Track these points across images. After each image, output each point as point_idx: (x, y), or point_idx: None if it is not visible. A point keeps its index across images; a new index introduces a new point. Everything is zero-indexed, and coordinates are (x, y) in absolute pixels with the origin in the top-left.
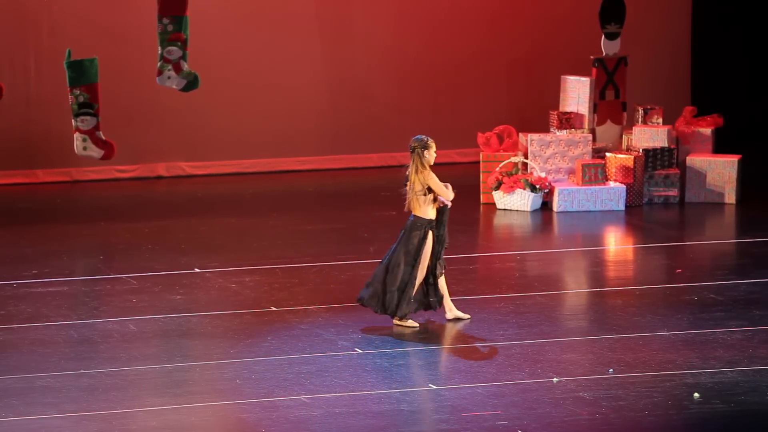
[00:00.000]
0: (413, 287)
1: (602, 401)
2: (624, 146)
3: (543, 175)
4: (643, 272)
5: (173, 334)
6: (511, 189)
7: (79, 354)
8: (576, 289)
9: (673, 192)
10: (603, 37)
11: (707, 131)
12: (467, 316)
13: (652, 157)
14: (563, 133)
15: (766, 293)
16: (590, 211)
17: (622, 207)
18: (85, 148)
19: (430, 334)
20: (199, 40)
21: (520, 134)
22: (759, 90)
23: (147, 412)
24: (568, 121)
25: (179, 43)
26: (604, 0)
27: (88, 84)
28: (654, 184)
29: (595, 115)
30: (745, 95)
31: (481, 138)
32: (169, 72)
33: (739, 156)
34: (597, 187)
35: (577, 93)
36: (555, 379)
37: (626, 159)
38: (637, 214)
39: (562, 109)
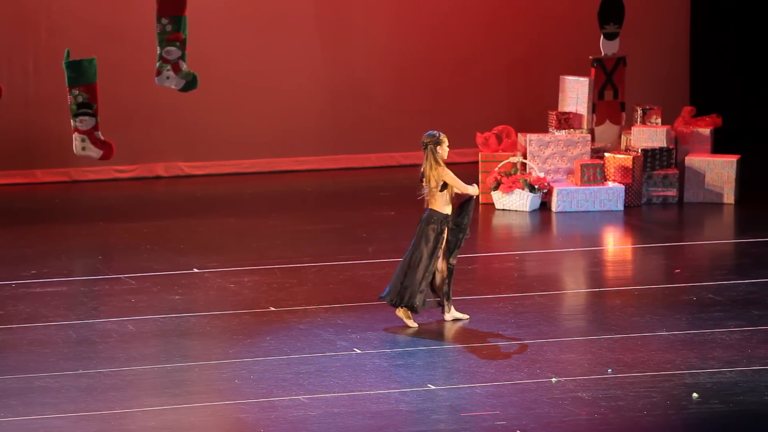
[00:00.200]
0: (427, 281)
1: (601, 401)
2: (623, 146)
3: (542, 175)
4: (642, 272)
5: (172, 335)
6: (509, 189)
7: (78, 354)
8: (575, 289)
9: (672, 192)
10: (602, 37)
11: (706, 131)
12: (466, 316)
13: (650, 158)
14: (562, 134)
15: (764, 293)
16: (589, 212)
17: (620, 207)
18: (83, 149)
19: (428, 335)
20: (198, 41)
21: (519, 134)
22: (757, 90)
23: (146, 412)
24: (567, 121)
25: (178, 44)
26: (603, 0)
27: (86, 84)
28: (653, 184)
29: (594, 115)
30: (744, 95)
31: (479, 138)
32: (168, 72)
33: (738, 156)
34: (596, 188)
35: (575, 93)
36: (554, 379)
37: (625, 159)
38: (635, 215)
39: (560, 109)
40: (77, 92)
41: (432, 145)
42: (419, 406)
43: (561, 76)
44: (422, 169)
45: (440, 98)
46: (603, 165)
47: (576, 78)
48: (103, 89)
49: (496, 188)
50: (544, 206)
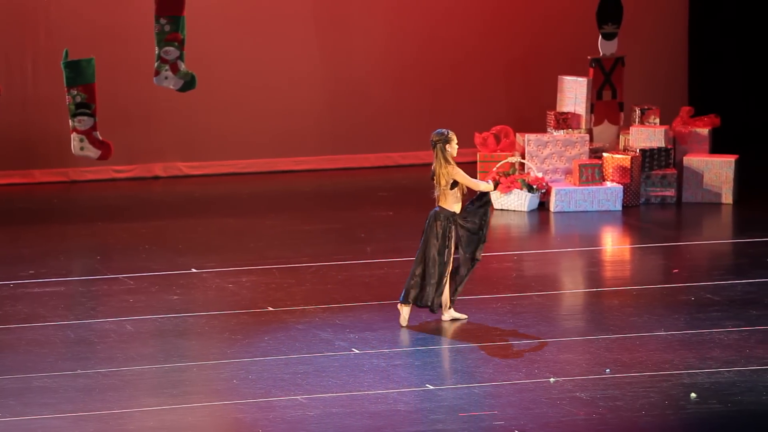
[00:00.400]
0: (444, 282)
1: (599, 401)
2: (621, 146)
3: (540, 175)
4: (640, 272)
5: (170, 335)
6: (508, 189)
7: (76, 354)
8: (573, 289)
9: (670, 192)
10: (600, 37)
11: (704, 131)
12: (464, 316)
13: (649, 158)
14: (560, 134)
15: (762, 293)
16: (587, 212)
17: (619, 207)
18: (82, 149)
19: (426, 335)
20: (196, 41)
21: (518, 134)
22: (756, 90)
23: (144, 412)
24: (566, 121)
25: (176, 44)
26: (602, 0)
27: (85, 84)
28: (651, 184)
29: (592, 115)
30: (743, 95)
31: (478, 138)
32: (167, 72)
33: (736, 156)
34: (594, 188)
35: (574, 93)
36: (552, 380)
37: (623, 159)
38: (634, 214)
39: (559, 109)
40: (75, 92)
41: (441, 144)
42: (417, 406)
43: (559, 76)
44: (432, 168)
45: (438, 98)
46: (601, 165)
47: (574, 78)
48: (101, 89)
49: (494, 188)
50: (543, 206)
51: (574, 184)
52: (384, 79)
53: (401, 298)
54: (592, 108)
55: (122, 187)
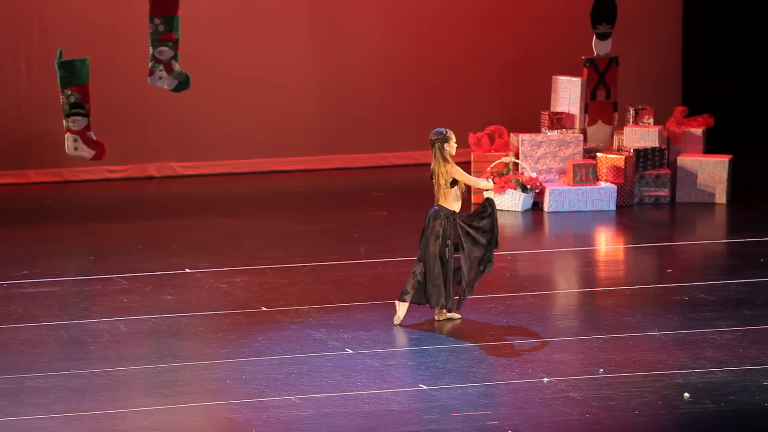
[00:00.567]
0: (451, 279)
1: (592, 401)
2: (615, 146)
3: (534, 175)
4: (634, 272)
5: (164, 335)
6: (502, 189)
7: (70, 354)
8: (567, 289)
9: (664, 192)
10: (594, 37)
11: (698, 131)
12: (458, 316)
13: (643, 158)
14: (554, 134)
15: (756, 293)
16: (581, 212)
17: (612, 207)
18: (76, 149)
19: (420, 335)
20: (190, 41)
21: (512, 134)
22: (750, 90)
23: (137, 412)
24: (560, 121)
25: (170, 44)
26: (596, 0)
27: (79, 84)
28: (645, 184)
29: (586, 115)
30: (736, 95)
31: (472, 138)
32: (161, 72)
33: (730, 156)
34: (588, 188)
35: (568, 93)
36: (545, 379)
37: (617, 159)
38: (627, 214)
39: (553, 109)
40: (70, 92)
41: (440, 143)
42: (411, 406)
43: (553, 76)
44: (431, 167)
45: (432, 98)
46: (595, 165)
47: (568, 78)
48: (95, 89)
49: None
50: (537, 206)
51: (568, 184)
52: (378, 80)
53: (400, 295)
54: (586, 108)
55: (116, 187)
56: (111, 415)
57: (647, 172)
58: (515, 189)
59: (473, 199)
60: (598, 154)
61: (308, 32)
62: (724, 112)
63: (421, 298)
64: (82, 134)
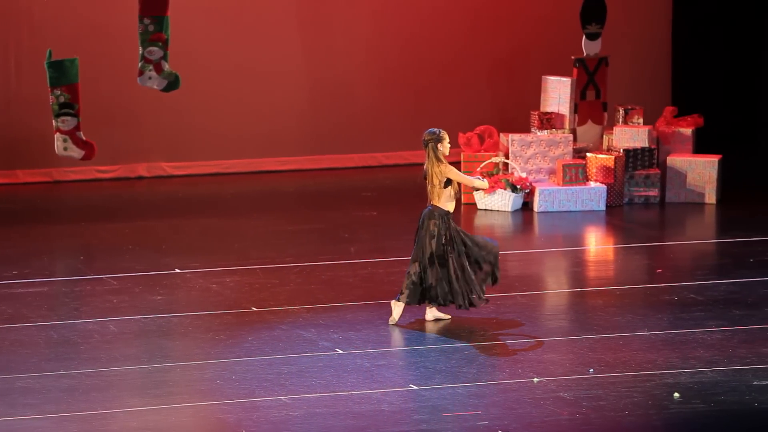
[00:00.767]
0: (457, 277)
1: (582, 401)
2: (605, 146)
3: (524, 175)
4: (624, 272)
5: (154, 335)
6: (491, 189)
7: (60, 355)
8: (557, 289)
9: (654, 192)
10: (584, 37)
11: (688, 131)
12: (448, 316)
13: (632, 158)
14: (544, 134)
15: (745, 293)
16: (571, 212)
17: (602, 207)
18: (65, 149)
19: (410, 335)
20: (180, 41)
21: (501, 134)
22: (739, 90)
23: (127, 412)
24: (549, 121)
25: (160, 44)
26: (585, 0)
27: (68, 84)
28: (634, 184)
29: (576, 115)
30: (726, 95)
31: (462, 138)
32: (150, 72)
33: (720, 156)
34: (578, 188)
35: (557, 93)
36: (535, 380)
37: (607, 159)
38: (617, 214)
39: (542, 109)
40: (59, 92)
41: (433, 143)
42: (401, 406)
43: (543, 77)
44: (425, 168)
45: (423, 98)
46: (585, 165)
47: (558, 78)
48: (85, 89)
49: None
50: (526, 206)
51: (558, 184)
52: (368, 80)
53: (397, 296)
54: (575, 108)
55: (106, 187)
56: (101, 415)
57: (637, 172)
58: (505, 189)
59: (463, 199)
60: (588, 154)
61: (298, 32)
62: (714, 112)
63: (416, 298)
64: (72, 134)
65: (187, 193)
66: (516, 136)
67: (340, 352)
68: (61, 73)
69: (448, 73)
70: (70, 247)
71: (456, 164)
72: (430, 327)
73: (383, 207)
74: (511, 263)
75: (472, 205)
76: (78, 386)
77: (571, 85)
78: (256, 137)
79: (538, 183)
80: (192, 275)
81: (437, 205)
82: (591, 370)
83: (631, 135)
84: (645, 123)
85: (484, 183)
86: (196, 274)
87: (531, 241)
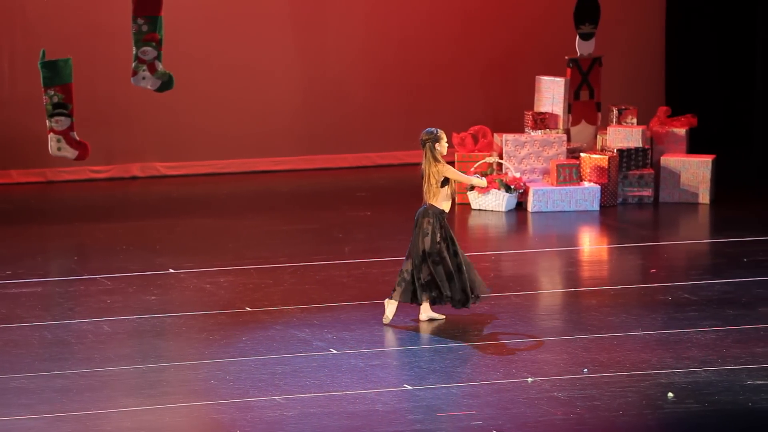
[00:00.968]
0: (449, 275)
1: (577, 401)
2: (598, 146)
3: (518, 175)
4: (618, 272)
5: (148, 335)
6: (486, 189)
7: (54, 355)
8: (551, 289)
9: (648, 192)
10: (577, 37)
11: (681, 131)
12: (442, 316)
13: (626, 158)
14: (538, 134)
15: (739, 293)
16: (565, 212)
17: (596, 207)
18: (59, 149)
19: (404, 335)
20: (174, 41)
21: (495, 134)
22: (733, 90)
23: (121, 412)
24: (543, 121)
25: (154, 44)
26: (579, 0)
27: (62, 84)
28: (628, 184)
29: (570, 115)
30: (719, 95)
31: (456, 138)
32: (144, 72)
33: (713, 156)
34: (571, 188)
35: (551, 93)
36: (530, 379)
37: (601, 159)
38: (611, 214)
39: (536, 109)
40: (53, 92)
41: (431, 143)
42: (395, 406)
43: (537, 77)
44: (422, 168)
45: (416, 98)
46: (579, 165)
47: (552, 78)
48: (78, 89)
49: (472, 188)
50: (520, 206)
51: (552, 184)
52: (362, 80)
53: (390, 295)
54: (569, 108)
55: (100, 187)
56: (95, 415)
57: (631, 172)
58: (499, 189)
59: (457, 199)
60: (582, 154)
61: (292, 32)
62: (707, 112)
63: (408, 296)
64: (66, 134)
65: (181, 193)
66: (510, 136)
67: (335, 352)
68: (54, 73)
69: (442, 73)
70: (64, 247)
71: (450, 164)
72: (425, 327)
73: (377, 207)
74: (505, 263)
75: (467, 206)
76: (72, 386)
77: (565, 85)
78: (250, 137)
79: (532, 183)
80: (186, 275)
81: (433, 203)
82: (585, 370)
83: (624, 135)
84: (639, 123)
85: (482, 181)
86: (190, 274)
87: (525, 241)
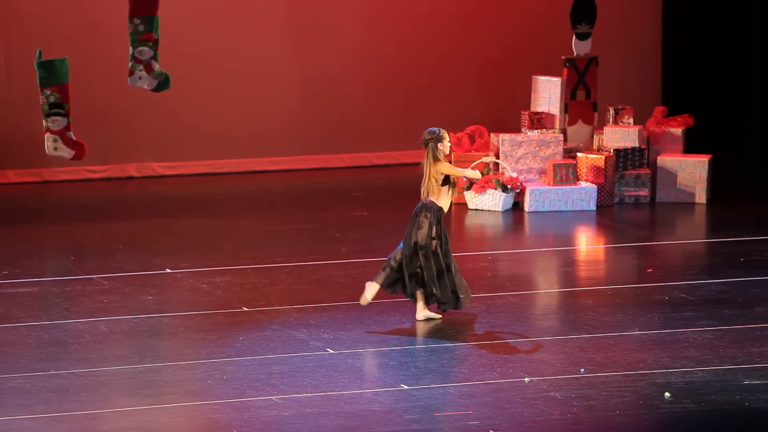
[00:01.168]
0: (434, 274)
1: (573, 401)
2: (595, 146)
3: (514, 175)
4: (614, 272)
5: (144, 335)
6: (482, 189)
7: (50, 355)
8: (547, 288)
9: (644, 192)
10: (574, 37)
11: (678, 131)
12: (438, 316)
13: (623, 157)
14: (534, 133)
15: (736, 293)
16: (561, 211)
17: (593, 207)
18: (55, 149)
19: (401, 335)
20: (170, 41)
21: (492, 134)
22: (729, 90)
23: (118, 412)
24: (540, 121)
25: (150, 44)
26: (575, 0)
27: (58, 84)
28: (625, 184)
29: (566, 115)
30: (716, 95)
31: (452, 138)
32: (141, 72)
33: (710, 156)
34: (568, 187)
35: (548, 93)
36: (526, 379)
37: (597, 159)
38: (608, 214)
39: (533, 109)
40: (49, 92)
41: (433, 143)
42: (392, 406)
43: (533, 76)
44: (422, 167)
45: (413, 98)
46: (575, 165)
47: (548, 78)
48: (75, 89)
49: (468, 188)
50: (517, 206)
51: (549, 184)
52: (359, 80)
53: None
54: (566, 108)
55: (96, 187)
56: (92, 415)
57: (627, 172)
58: (495, 189)
59: (454, 198)
60: (578, 154)
61: (289, 32)
62: (704, 111)
63: (389, 283)
64: (62, 134)
65: (178, 193)
66: (506, 136)
67: (331, 351)
68: (51, 73)
69: (438, 73)
70: (60, 247)
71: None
72: (421, 327)
73: (374, 207)
74: (501, 263)
75: (463, 205)
76: (68, 386)
77: (562, 85)
78: (246, 137)
79: (528, 183)
80: (183, 275)
81: (433, 200)
82: (582, 369)
83: (621, 135)
84: (635, 123)
85: (476, 173)
86: (187, 274)
87: (522, 241)
